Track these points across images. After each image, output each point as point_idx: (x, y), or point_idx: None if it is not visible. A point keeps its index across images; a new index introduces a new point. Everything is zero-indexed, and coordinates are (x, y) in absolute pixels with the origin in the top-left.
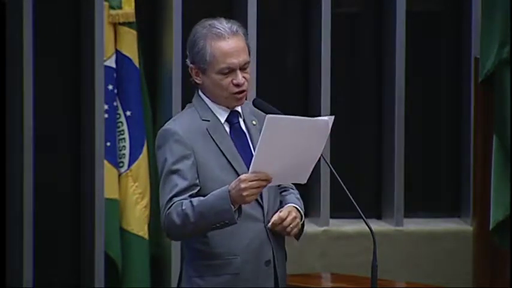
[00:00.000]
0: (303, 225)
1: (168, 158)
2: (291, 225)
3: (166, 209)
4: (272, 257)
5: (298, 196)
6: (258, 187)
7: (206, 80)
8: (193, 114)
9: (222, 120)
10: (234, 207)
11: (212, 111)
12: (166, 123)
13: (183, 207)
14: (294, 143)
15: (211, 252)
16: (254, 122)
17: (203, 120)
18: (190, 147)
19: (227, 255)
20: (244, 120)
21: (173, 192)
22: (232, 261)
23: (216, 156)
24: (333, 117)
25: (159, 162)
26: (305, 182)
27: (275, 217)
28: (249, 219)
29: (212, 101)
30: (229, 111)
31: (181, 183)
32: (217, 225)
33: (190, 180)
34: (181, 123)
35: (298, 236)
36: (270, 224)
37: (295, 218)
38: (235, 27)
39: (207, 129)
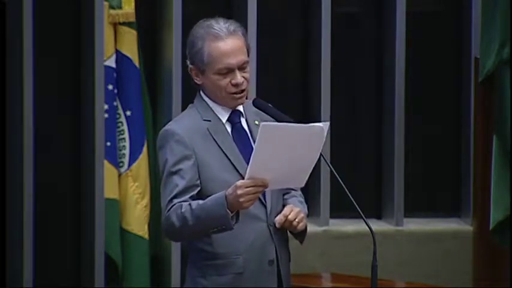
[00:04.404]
0: (305, 228)
1: (168, 159)
2: (296, 219)
3: (167, 210)
4: (275, 257)
5: (302, 200)
6: (255, 193)
7: (205, 81)
8: (195, 115)
9: (224, 120)
10: (231, 213)
11: (213, 111)
12: (167, 124)
13: (182, 210)
14: (289, 150)
15: (214, 252)
16: (257, 122)
17: (204, 120)
18: (191, 148)
19: (230, 255)
20: (246, 120)
21: (173, 194)
22: (235, 261)
23: (218, 156)
24: (328, 123)
25: (160, 163)
26: (303, 185)
27: (279, 216)
28: (252, 219)
29: (213, 101)
30: (230, 111)
31: (181, 184)
32: (214, 229)
33: (190, 181)
34: (182, 123)
35: (302, 239)
36: (276, 224)
37: (299, 212)
38: (233, 27)
39: (208, 129)
